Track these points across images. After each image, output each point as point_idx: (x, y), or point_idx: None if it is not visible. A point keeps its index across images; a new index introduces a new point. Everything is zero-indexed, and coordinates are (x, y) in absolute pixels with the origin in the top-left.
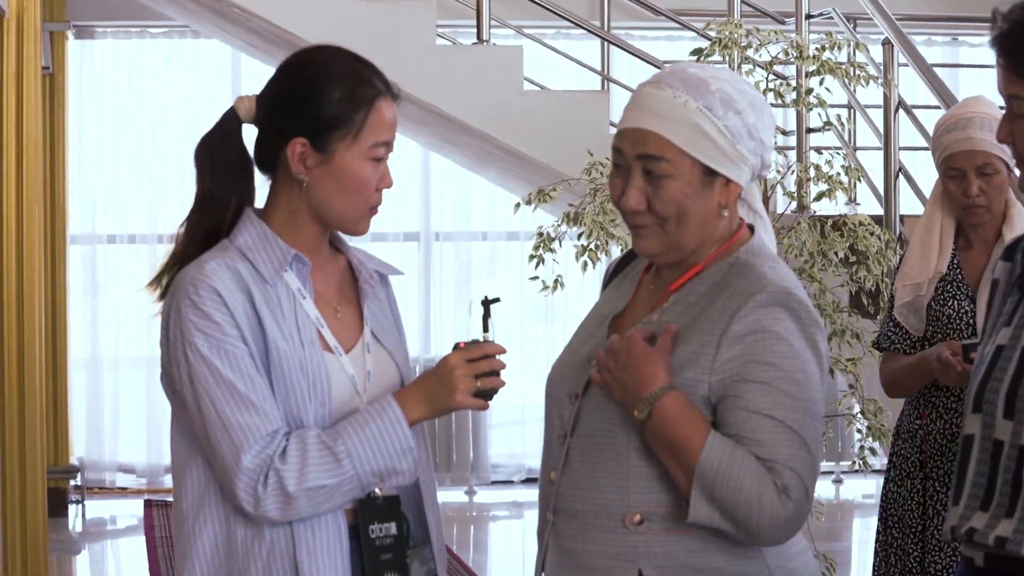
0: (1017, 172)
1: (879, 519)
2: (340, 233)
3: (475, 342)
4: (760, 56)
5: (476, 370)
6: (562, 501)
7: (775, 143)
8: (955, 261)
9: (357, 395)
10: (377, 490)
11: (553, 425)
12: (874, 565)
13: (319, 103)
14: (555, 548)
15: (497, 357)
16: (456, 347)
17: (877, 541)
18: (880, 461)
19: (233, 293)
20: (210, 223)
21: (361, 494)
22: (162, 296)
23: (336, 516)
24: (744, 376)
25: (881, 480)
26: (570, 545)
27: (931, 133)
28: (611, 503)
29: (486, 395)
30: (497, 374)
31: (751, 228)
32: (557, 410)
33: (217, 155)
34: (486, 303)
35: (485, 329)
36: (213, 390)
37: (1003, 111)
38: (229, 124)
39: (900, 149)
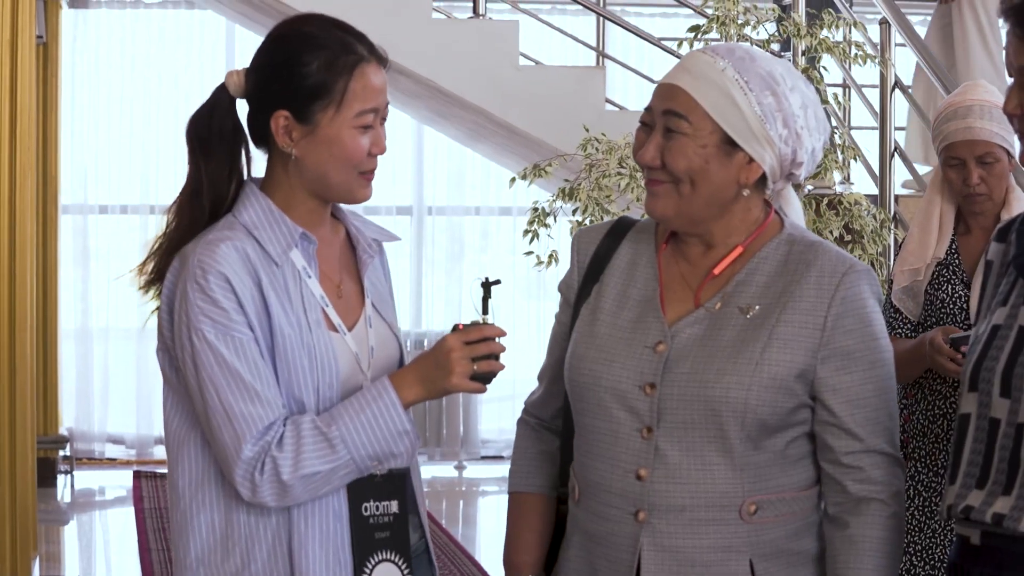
0: (1018, 147)
1: None
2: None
3: (474, 324)
4: (757, 34)
5: (474, 353)
6: (660, 498)
7: (817, 147)
8: (953, 246)
9: (361, 372)
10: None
11: (618, 419)
12: None
13: (298, 73)
14: (655, 548)
15: (497, 340)
16: (455, 328)
17: None
18: None
19: (242, 278)
20: (209, 203)
21: (359, 476)
22: (150, 281)
23: (335, 500)
24: (847, 365)
25: None
26: (675, 543)
27: (926, 112)
28: (726, 495)
29: (484, 378)
30: (496, 357)
31: (778, 213)
32: (623, 403)
33: (212, 132)
34: (486, 285)
35: (485, 311)
36: (218, 378)
37: (1010, 84)
38: (220, 100)
39: (896, 129)
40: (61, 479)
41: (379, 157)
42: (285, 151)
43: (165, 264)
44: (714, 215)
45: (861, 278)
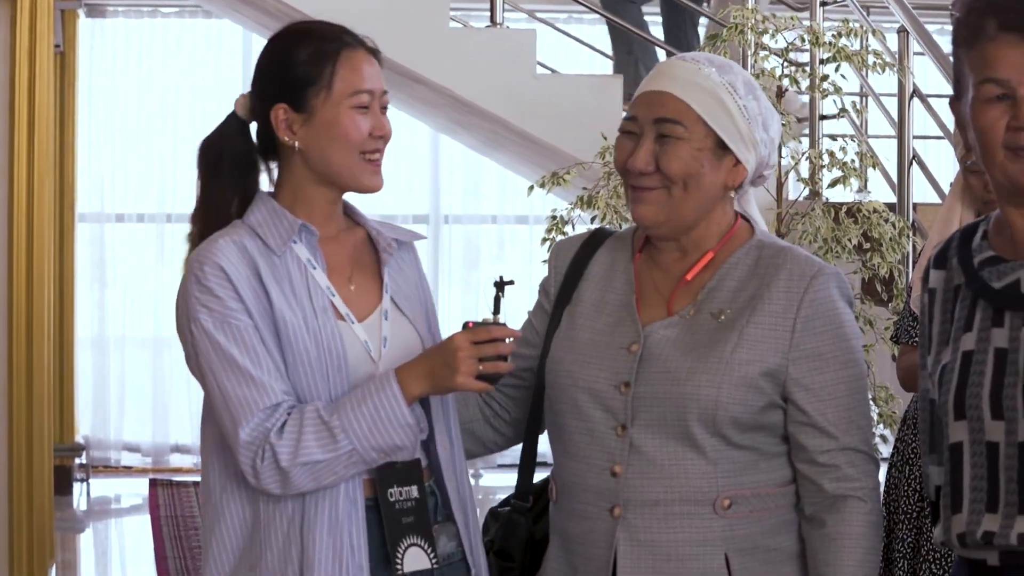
0: None
1: (883, 504)
2: (356, 207)
3: (484, 323)
4: (775, 43)
5: (480, 353)
6: (635, 493)
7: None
8: None
9: (372, 362)
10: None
11: (594, 418)
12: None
13: (288, 66)
14: (631, 542)
15: (508, 341)
16: (465, 326)
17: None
18: (890, 448)
19: (238, 267)
20: (215, 223)
21: (367, 467)
22: None
23: (350, 486)
24: (819, 366)
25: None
26: (651, 537)
27: (944, 121)
28: (700, 489)
29: (490, 379)
30: (505, 358)
31: (744, 218)
32: (599, 402)
33: (222, 157)
34: (499, 284)
35: (496, 311)
36: (214, 363)
37: None
38: (229, 124)
39: (914, 137)
40: (77, 487)
41: (395, 165)
42: (288, 144)
43: None
44: (700, 220)
45: (830, 280)
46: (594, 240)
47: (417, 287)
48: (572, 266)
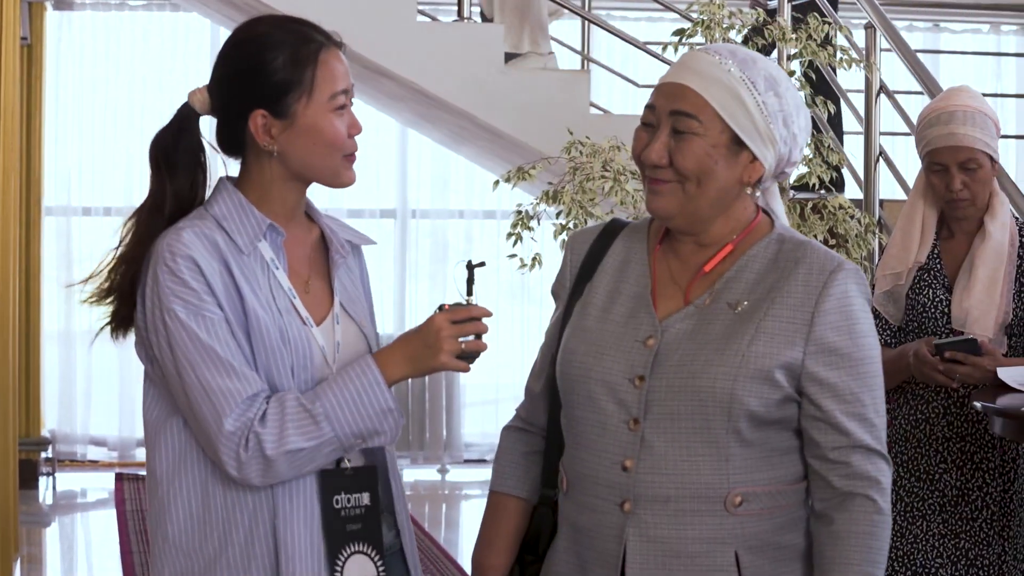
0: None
1: None
2: (314, 203)
3: (459, 304)
4: (741, 38)
5: (461, 332)
6: (646, 488)
7: (804, 147)
8: (935, 251)
9: (328, 366)
10: (347, 460)
11: (607, 411)
12: None
13: (265, 72)
14: (641, 538)
15: (481, 320)
16: (440, 308)
17: None
18: None
19: (209, 262)
20: (169, 218)
21: (344, 453)
22: (105, 292)
23: (308, 484)
24: (835, 361)
25: None
26: (660, 533)
27: (911, 118)
28: (711, 486)
29: (469, 357)
30: (480, 337)
31: (766, 212)
32: (611, 395)
33: (178, 150)
34: (471, 267)
35: (469, 292)
36: (193, 355)
37: (986, 99)
38: (186, 118)
39: (881, 134)
40: (43, 481)
41: (363, 160)
42: (267, 149)
43: (120, 274)
44: (716, 214)
45: (849, 276)
46: (609, 231)
47: (363, 289)
48: (588, 258)
